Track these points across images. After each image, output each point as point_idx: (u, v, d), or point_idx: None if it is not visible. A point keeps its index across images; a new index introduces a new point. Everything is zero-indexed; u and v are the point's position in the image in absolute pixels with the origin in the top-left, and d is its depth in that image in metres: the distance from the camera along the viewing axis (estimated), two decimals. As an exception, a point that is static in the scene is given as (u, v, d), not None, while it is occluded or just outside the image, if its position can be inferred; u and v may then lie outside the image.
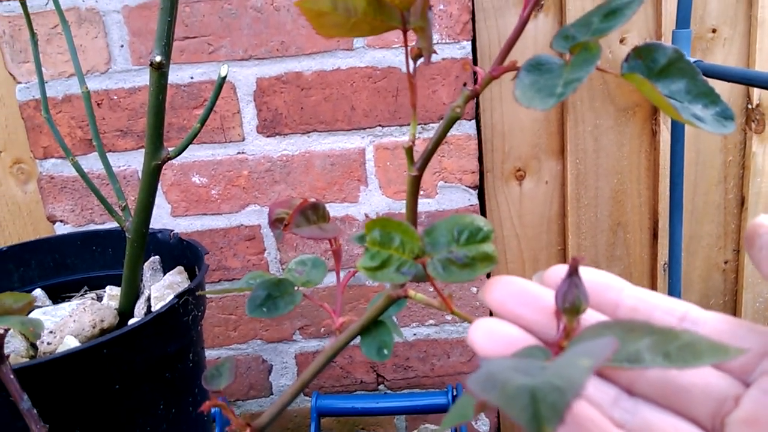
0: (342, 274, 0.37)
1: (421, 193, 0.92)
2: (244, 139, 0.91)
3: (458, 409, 0.23)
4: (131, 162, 0.92)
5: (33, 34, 0.57)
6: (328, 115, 0.90)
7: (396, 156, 0.91)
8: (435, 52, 0.28)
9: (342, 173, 0.92)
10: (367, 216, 0.94)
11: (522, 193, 0.98)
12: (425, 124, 0.90)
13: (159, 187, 0.93)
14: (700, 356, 0.21)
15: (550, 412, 0.17)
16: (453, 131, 0.90)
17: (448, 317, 0.98)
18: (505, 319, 0.26)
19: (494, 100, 0.95)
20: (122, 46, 0.87)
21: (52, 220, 0.93)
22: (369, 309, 0.34)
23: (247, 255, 0.96)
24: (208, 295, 0.90)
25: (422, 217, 0.93)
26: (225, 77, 0.51)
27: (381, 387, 1.02)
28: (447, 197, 0.92)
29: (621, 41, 0.91)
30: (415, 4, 0.26)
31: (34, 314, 0.56)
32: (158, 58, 0.47)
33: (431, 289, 0.73)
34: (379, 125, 0.90)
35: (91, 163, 0.91)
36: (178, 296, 0.48)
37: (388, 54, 0.87)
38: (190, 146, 0.88)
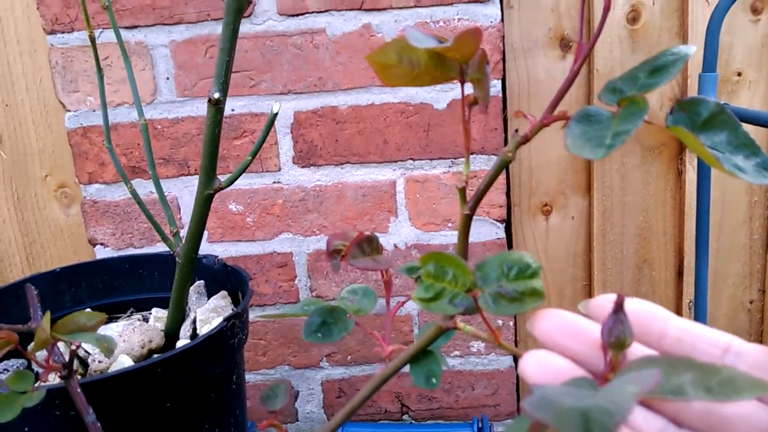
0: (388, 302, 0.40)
1: (449, 225, 0.95)
2: (280, 169, 0.94)
3: (513, 429, 0.25)
4: (171, 189, 0.95)
5: (99, 69, 0.61)
6: (362, 148, 0.93)
7: (425, 189, 0.94)
8: (488, 95, 0.31)
9: (373, 204, 0.95)
10: (396, 246, 0.97)
11: (548, 228, 1.00)
12: (455, 158, 0.92)
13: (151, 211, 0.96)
14: (740, 391, 0.23)
15: (600, 431, 0.19)
16: (482, 165, 0.92)
17: (474, 349, 0.99)
18: (552, 351, 0.28)
19: (521, 132, 0.97)
20: (168, 78, 0.91)
21: (93, 243, 0.97)
22: (418, 339, 0.36)
23: (278, 281, 0.98)
24: (262, 320, 0.93)
25: (450, 249, 0.95)
26: (276, 114, 0.54)
27: (405, 417, 1.03)
28: (475, 230, 0.94)
29: (648, 82, 0.94)
30: (473, 57, 0.28)
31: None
32: (216, 95, 0.50)
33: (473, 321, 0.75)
34: (411, 158, 0.93)
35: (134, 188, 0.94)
36: (227, 320, 0.50)
37: (420, 91, 0.90)
38: (228, 174, 0.92)
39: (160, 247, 0.97)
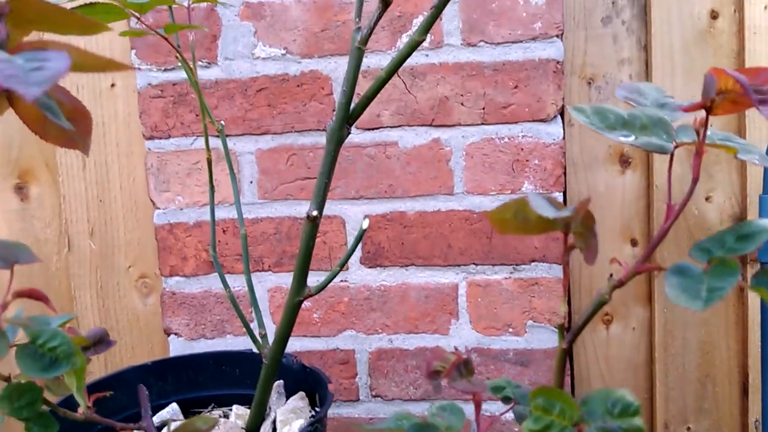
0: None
1: (510, 330, 0.97)
2: (348, 269, 0.99)
3: None
4: (245, 284, 1.01)
5: (212, 186, 0.68)
6: (426, 251, 0.97)
7: (487, 293, 0.97)
8: (594, 251, 0.35)
9: (435, 306, 0.98)
10: (456, 349, 0.98)
11: (609, 338, 1.01)
12: (516, 265, 0.96)
13: (267, 307, 1.01)
14: None
15: None
16: (543, 273, 0.95)
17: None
18: None
19: (582, 246, 1.00)
20: (251, 182, 0.99)
21: (168, 333, 1.02)
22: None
23: (340, 378, 1.01)
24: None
25: (510, 354, 0.97)
26: (365, 230, 0.59)
27: None
28: (536, 336, 0.96)
29: (706, 199, 0.97)
30: (578, 214, 0.33)
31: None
32: (314, 213, 0.56)
33: None
34: (473, 263, 0.96)
35: (211, 282, 1.01)
36: (311, 424, 0.53)
37: (484, 200, 0.95)
38: None
39: (230, 339, 1.02)
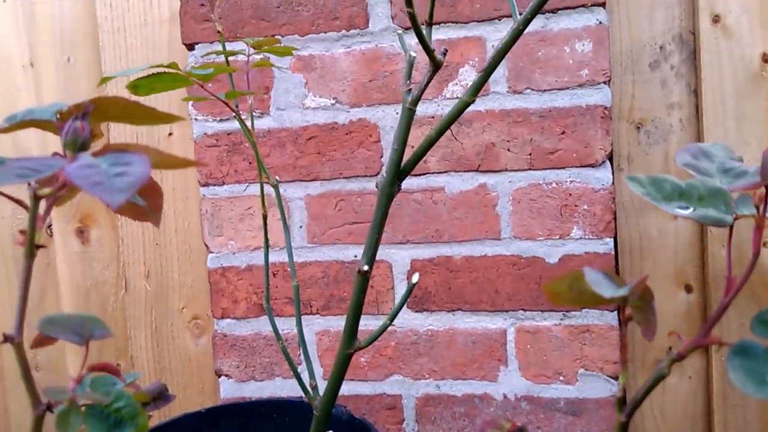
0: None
1: (561, 378, 0.95)
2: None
3: None
4: (292, 326, 1.02)
5: (266, 239, 0.70)
6: (473, 296, 0.97)
7: (536, 340, 0.95)
8: (653, 327, 0.34)
9: (483, 352, 0.97)
10: (505, 396, 0.97)
11: (665, 387, 0.97)
12: (567, 311, 0.94)
13: (315, 351, 1.02)
14: None
15: None
16: (595, 320, 0.93)
17: None
18: None
19: (634, 292, 0.98)
20: (301, 227, 1.01)
21: (219, 374, 1.04)
22: None
23: (386, 424, 1.00)
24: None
25: (561, 403, 0.95)
26: (415, 283, 0.59)
27: None
28: (588, 385, 0.94)
29: (764, 245, 0.94)
30: (635, 292, 0.33)
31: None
32: (365, 268, 0.57)
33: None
34: (522, 309, 0.96)
35: (261, 325, 1.02)
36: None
37: (532, 245, 0.95)
38: (346, 316, 0.97)
39: (278, 382, 1.03)
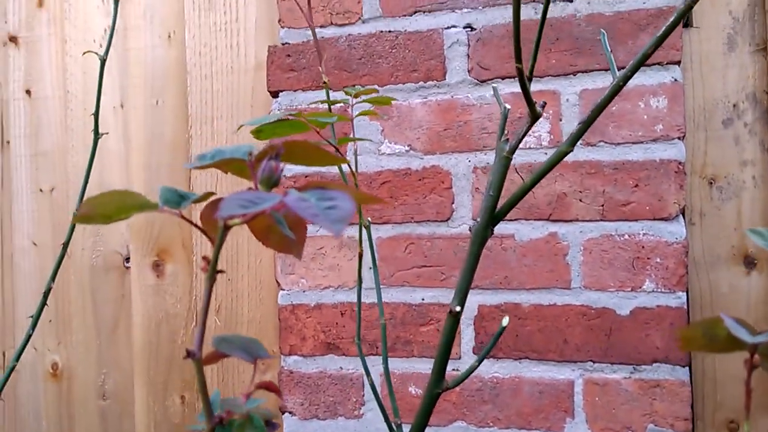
0: None
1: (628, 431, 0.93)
2: (460, 358, 1.00)
3: None
4: (359, 367, 1.04)
5: (360, 271, 0.72)
6: (541, 345, 0.97)
7: (605, 392, 0.94)
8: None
9: (549, 402, 0.96)
10: (571, 448, 0.96)
11: (737, 448, 0.95)
12: (637, 365, 0.94)
13: (379, 392, 1.03)
14: None
15: None
16: (666, 375, 0.92)
17: None
18: None
19: (706, 348, 0.97)
20: (370, 267, 1.04)
21: (283, 411, 1.06)
22: None
23: (449, 470, 1.00)
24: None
25: (630, 458, 0.93)
26: (505, 327, 0.61)
27: None
28: (658, 441, 0.92)
29: None
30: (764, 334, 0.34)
31: None
32: (457, 308, 0.59)
33: None
34: (591, 360, 0.95)
35: (327, 363, 1.04)
36: None
37: (603, 296, 0.95)
38: (412, 358, 0.99)
39: (341, 422, 1.04)
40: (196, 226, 0.31)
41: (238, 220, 0.29)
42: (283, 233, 0.37)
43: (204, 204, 0.34)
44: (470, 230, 0.61)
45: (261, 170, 0.30)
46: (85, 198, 0.77)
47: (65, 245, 0.76)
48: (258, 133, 0.51)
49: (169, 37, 1.19)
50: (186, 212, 0.33)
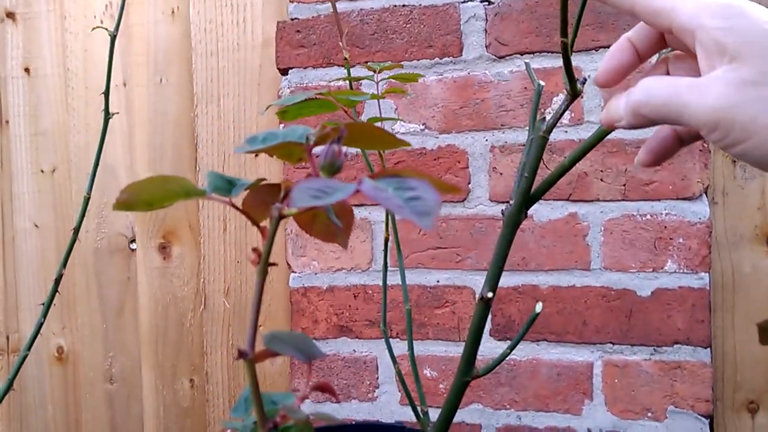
0: None
1: (649, 414, 0.92)
2: (477, 341, 0.98)
3: None
4: (373, 349, 1.02)
5: (386, 246, 0.70)
6: (559, 327, 0.96)
7: (625, 374, 0.93)
8: None
9: (567, 384, 0.95)
10: (589, 430, 0.95)
11: (755, 428, 0.94)
12: (657, 346, 0.92)
13: (394, 375, 1.01)
14: None
15: None
16: (687, 357, 0.91)
17: None
18: None
19: (726, 329, 0.96)
20: (383, 249, 1.01)
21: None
22: None
23: (466, 453, 0.99)
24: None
25: (650, 440, 0.92)
26: (538, 313, 0.59)
27: None
28: (678, 423, 0.91)
29: None
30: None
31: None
32: (489, 294, 0.57)
33: None
34: (611, 342, 0.94)
35: (340, 346, 1.02)
36: None
37: (623, 277, 0.93)
38: (427, 341, 0.97)
39: (355, 405, 1.02)
40: (245, 214, 0.29)
41: (293, 209, 0.26)
42: (329, 221, 0.35)
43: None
44: (502, 213, 0.58)
45: (323, 155, 0.27)
46: (94, 180, 0.74)
47: (76, 230, 0.73)
48: (283, 114, 0.49)
49: (173, 12, 1.14)
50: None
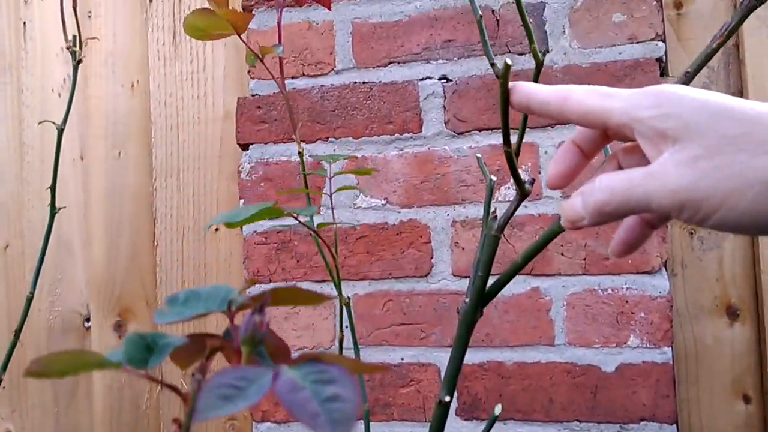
0: None
1: (619, 494, 0.90)
2: (443, 420, 0.96)
3: None
4: (337, 432, 0.98)
5: (341, 320, 0.68)
6: (526, 405, 0.94)
7: (594, 453, 0.91)
8: None
9: (536, 464, 0.93)
10: None
11: (728, 506, 0.92)
12: (624, 423, 0.91)
13: (359, 459, 0.98)
14: None
15: None
16: (655, 434, 0.89)
17: None
18: None
19: (691, 402, 0.95)
20: (346, 326, 0.99)
21: (257, 480, 0.99)
22: None
23: None
24: None
25: None
26: (497, 416, 0.57)
27: None
28: (649, 504, 0.89)
29: (828, 356, 0.91)
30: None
31: None
32: (446, 398, 0.55)
33: None
34: (577, 420, 0.92)
35: (300, 429, 0.99)
36: None
37: (588, 352, 0.92)
38: (392, 422, 0.94)
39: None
40: (172, 389, 0.27)
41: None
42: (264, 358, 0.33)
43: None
44: (458, 311, 0.57)
45: (243, 327, 0.26)
46: (39, 275, 0.71)
47: (17, 332, 0.69)
48: (230, 224, 0.47)
49: (133, 86, 1.14)
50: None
